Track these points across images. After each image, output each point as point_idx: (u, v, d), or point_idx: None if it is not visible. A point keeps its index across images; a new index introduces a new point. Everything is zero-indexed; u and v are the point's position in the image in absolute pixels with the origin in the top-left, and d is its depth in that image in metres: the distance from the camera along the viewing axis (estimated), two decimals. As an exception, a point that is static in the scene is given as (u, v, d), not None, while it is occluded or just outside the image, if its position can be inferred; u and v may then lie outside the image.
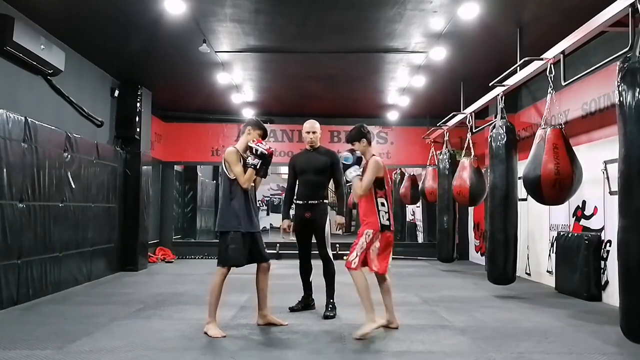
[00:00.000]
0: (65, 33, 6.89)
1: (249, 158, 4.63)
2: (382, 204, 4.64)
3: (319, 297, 5.55)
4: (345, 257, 5.12)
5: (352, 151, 4.76)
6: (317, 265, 5.53)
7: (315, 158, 5.45)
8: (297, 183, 5.53)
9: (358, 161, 4.69)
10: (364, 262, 4.61)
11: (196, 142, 11.89)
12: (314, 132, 5.47)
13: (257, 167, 4.61)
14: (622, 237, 3.89)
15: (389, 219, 4.65)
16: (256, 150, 4.61)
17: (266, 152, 4.62)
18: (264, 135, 4.82)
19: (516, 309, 5.89)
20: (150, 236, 10.41)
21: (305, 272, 5.58)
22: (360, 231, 4.70)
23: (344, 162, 4.76)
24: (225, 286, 4.65)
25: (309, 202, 5.38)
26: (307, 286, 5.61)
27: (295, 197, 5.51)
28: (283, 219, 5.63)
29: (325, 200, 5.47)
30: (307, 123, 5.54)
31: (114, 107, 9.02)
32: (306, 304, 5.59)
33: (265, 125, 4.93)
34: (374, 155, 4.76)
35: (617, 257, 3.97)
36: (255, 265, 4.80)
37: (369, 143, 4.81)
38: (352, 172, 4.65)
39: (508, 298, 6.62)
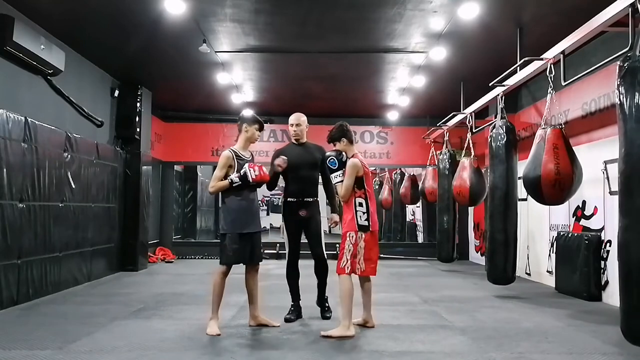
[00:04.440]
0: (65, 33, 6.89)
1: (234, 174, 4.58)
2: (360, 204, 4.58)
3: (309, 297, 5.41)
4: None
5: (337, 153, 4.72)
6: (302, 265, 5.31)
7: (307, 153, 5.15)
8: (287, 179, 5.17)
9: (343, 165, 4.65)
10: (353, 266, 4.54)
11: (196, 142, 11.89)
12: (298, 125, 5.15)
13: (234, 185, 4.57)
14: (622, 237, 3.88)
15: (367, 219, 4.57)
16: (244, 173, 4.55)
17: (250, 180, 4.55)
18: (260, 128, 4.82)
19: (516, 309, 5.89)
20: (150, 236, 10.42)
21: (295, 277, 5.24)
22: (342, 234, 4.66)
23: (329, 165, 4.70)
24: (226, 286, 4.66)
25: (305, 199, 5.10)
26: (297, 293, 5.29)
27: (286, 195, 5.19)
28: (272, 164, 5.04)
29: (317, 198, 5.22)
30: (293, 115, 5.23)
31: (114, 107, 9.02)
32: (298, 312, 5.24)
33: (262, 121, 4.91)
34: (353, 155, 4.70)
35: (617, 257, 3.97)
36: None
37: (350, 142, 4.76)
38: (335, 178, 4.65)
39: (508, 298, 6.62)
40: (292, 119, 5.24)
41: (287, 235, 5.23)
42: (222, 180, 4.61)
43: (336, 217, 5.21)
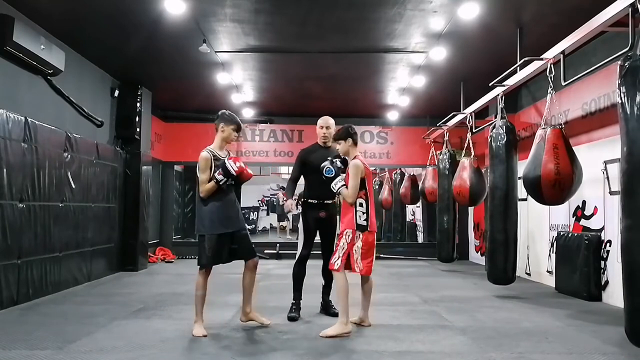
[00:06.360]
0: (65, 33, 6.89)
1: (216, 172, 4.51)
2: (360, 204, 4.62)
3: (309, 297, 5.44)
4: None
5: (330, 162, 4.75)
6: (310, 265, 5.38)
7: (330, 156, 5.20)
8: (309, 181, 5.29)
9: (340, 170, 4.70)
10: (347, 263, 4.60)
11: (196, 142, 11.76)
12: (327, 127, 5.27)
13: (221, 183, 4.51)
14: (625, 237, 3.84)
15: (366, 219, 4.61)
16: (225, 168, 4.49)
17: (234, 173, 4.50)
18: (237, 129, 4.73)
19: (516, 309, 5.89)
20: (150, 236, 10.42)
21: (302, 275, 5.30)
22: (340, 231, 4.71)
23: (326, 174, 4.72)
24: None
25: (325, 201, 5.19)
26: (301, 291, 5.34)
27: (306, 197, 5.28)
28: (287, 200, 5.25)
29: (335, 200, 5.30)
30: (322, 118, 5.38)
31: (114, 107, 9.02)
32: (299, 310, 5.28)
33: (240, 122, 4.84)
34: (355, 157, 4.73)
35: (620, 258, 3.94)
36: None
37: (355, 143, 4.79)
38: (338, 184, 4.66)
39: (508, 298, 6.62)
40: (322, 121, 5.37)
41: (303, 233, 5.32)
42: (209, 182, 4.54)
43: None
